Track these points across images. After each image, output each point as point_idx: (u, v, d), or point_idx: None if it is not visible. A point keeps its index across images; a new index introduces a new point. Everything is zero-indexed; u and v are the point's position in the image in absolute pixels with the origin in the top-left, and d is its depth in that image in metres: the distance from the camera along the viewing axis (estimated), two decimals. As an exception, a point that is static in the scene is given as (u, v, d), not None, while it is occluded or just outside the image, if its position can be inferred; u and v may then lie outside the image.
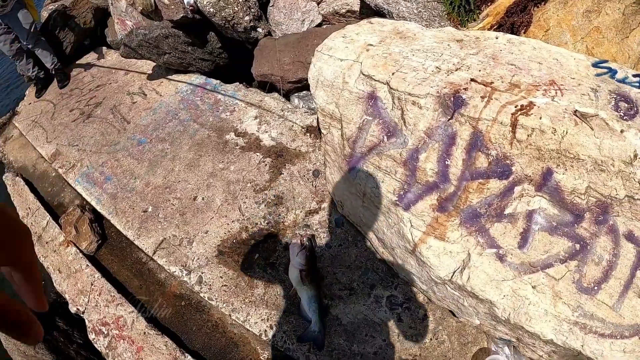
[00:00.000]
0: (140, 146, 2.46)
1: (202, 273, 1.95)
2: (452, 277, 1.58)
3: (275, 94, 2.60)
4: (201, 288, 1.90)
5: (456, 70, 1.62)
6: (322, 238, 2.01)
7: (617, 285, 1.44)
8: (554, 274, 1.47)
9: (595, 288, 1.45)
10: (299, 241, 1.84)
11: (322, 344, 1.75)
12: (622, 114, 1.48)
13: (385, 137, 1.69)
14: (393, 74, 1.67)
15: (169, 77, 2.89)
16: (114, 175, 2.40)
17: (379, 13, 2.65)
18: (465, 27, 2.41)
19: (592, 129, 1.43)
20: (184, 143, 2.41)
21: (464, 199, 1.53)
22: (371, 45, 1.82)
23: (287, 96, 2.66)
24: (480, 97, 1.52)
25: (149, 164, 2.37)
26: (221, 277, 1.92)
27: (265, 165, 2.25)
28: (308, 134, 2.38)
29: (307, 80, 2.66)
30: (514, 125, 1.47)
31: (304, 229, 2.04)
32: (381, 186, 1.68)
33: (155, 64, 2.92)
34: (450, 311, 1.79)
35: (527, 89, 1.53)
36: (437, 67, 1.65)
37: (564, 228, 1.48)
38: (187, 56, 2.72)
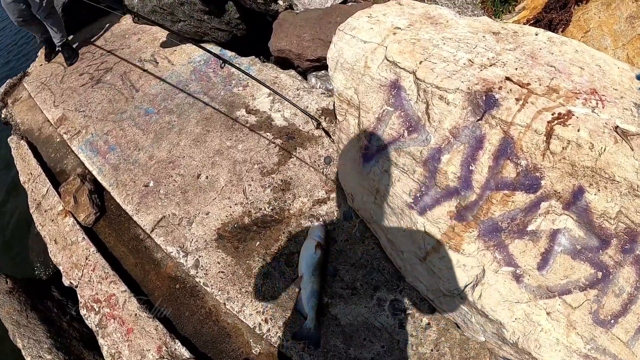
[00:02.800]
0: (147, 116, 2.41)
1: (200, 257, 1.93)
2: (462, 291, 1.52)
3: (292, 71, 2.50)
4: (197, 272, 1.88)
5: (490, 65, 1.51)
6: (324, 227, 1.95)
7: (634, 321, 1.38)
8: (571, 301, 1.41)
9: (612, 321, 1.39)
10: (321, 222, 1.93)
11: (318, 342, 1.74)
12: (670, 135, 1.36)
13: (405, 131, 1.61)
14: (421, 62, 1.56)
15: (183, 45, 2.80)
16: (117, 145, 2.37)
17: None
18: (499, 18, 2.26)
19: (632, 149, 1.33)
20: (192, 116, 2.35)
21: (485, 209, 1.45)
22: (399, 28, 1.71)
23: (304, 74, 2.56)
24: (515, 99, 1.42)
25: (154, 136, 2.32)
26: (218, 263, 1.90)
27: (275, 147, 2.19)
28: (323, 117, 2.29)
29: (326, 59, 2.57)
30: (548, 134, 1.37)
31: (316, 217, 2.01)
32: (396, 185, 1.62)
33: (168, 32, 2.83)
34: (455, 323, 1.73)
35: (567, 96, 1.43)
36: (469, 60, 1.54)
37: (588, 253, 1.41)
38: (202, 25, 2.62)
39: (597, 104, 1.42)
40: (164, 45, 2.91)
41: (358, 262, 1.90)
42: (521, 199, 1.43)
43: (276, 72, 2.49)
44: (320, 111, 2.32)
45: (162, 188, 2.15)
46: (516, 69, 1.50)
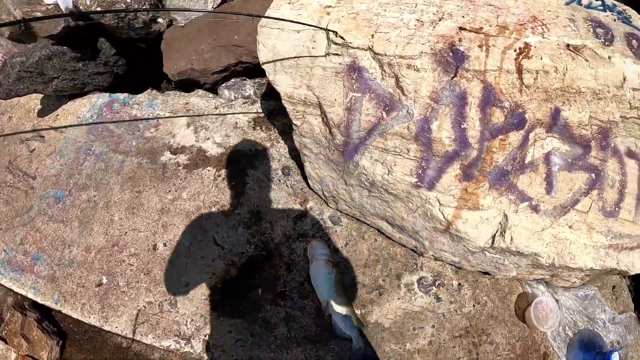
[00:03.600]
0: (60, 203, 1.85)
1: (205, 336, 1.60)
2: (492, 243, 1.56)
3: (201, 91, 2.17)
4: (213, 354, 1.56)
5: (440, 20, 1.51)
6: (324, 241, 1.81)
7: (631, 201, 1.60)
8: (582, 208, 1.56)
9: (617, 209, 1.59)
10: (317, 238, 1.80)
11: (374, 356, 1.61)
12: (603, 40, 1.56)
13: (383, 113, 1.53)
14: (372, 36, 1.48)
15: (64, 106, 2.19)
16: (41, 251, 1.77)
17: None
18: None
19: (586, 60, 1.49)
20: (113, 182, 1.88)
21: (488, 160, 1.49)
22: (329, 6, 1.58)
23: (213, 90, 2.25)
24: (478, 46, 1.46)
25: (79, 223, 1.80)
26: (230, 332, 1.61)
27: (223, 179, 1.90)
28: (258, 129, 2.06)
29: (234, 65, 2.29)
30: (519, 71, 1.45)
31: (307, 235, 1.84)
32: (395, 170, 1.54)
33: (43, 95, 2.16)
34: (483, 272, 1.79)
35: (516, 30, 1.51)
36: (418, 20, 1.51)
37: (578, 162, 1.57)
38: (79, 75, 2.06)
39: (542, 29, 1.54)
40: (42, 113, 2.21)
41: (369, 260, 1.81)
42: (515, 138, 1.49)
43: (183, 97, 2.12)
44: (253, 122, 2.09)
45: (119, 279, 1.69)
46: (463, 16, 1.53)
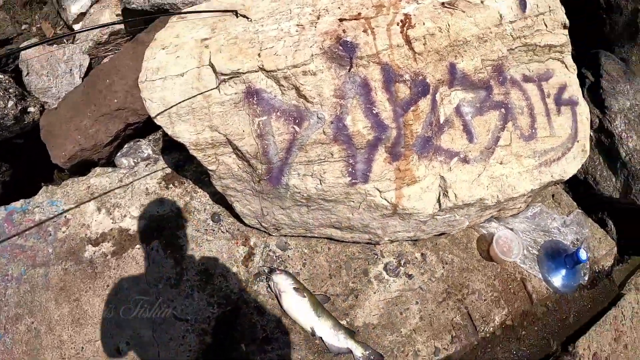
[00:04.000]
0: (0, 345, 1.58)
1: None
2: (440, 207, 1.60)
3: (98, 169, 1.94)
4: None
5: (318, 18, 1.48)
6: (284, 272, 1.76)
7: (542, 119, 1.72)
8: (504, 142, 1.66)
9: (533, 131, 1.70)
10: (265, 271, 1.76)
11: (378, 355, 1.62)
12: (468, -14, 1.60)
13: (295, 127, 1.48)
14: (259, 55, 1.41)
15: None
16: None
17: (159, 11, 2.15)
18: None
19: (463, 11, 1.54)
20: (46, 300, 1.63)
21: (409, 134, 1.51)
22: (206, 39, 1.47)
23: (111, 163, 2.03)
24: (363, 32, 1.45)
25: (29, 358, 1.56)
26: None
27: (158, 251, 1.75)
28: (171, 186, 1.92)
29: (123, 130, 2.09)
30: (408, 42, 1.47)
31: (262, 273, 1.76)
32: (325, 178, 1.52)
33: None
34: (438, 234, 1.85)
35: (392, 4, 1.53)
36: (298, 25, 1.46)
37: (486, 103, 1.65)
38: None
39: (414, -5, 1.55)
40: None
41: (332, 270, 1.79)
42: (424, 104, 1.52)
43: (82, 182, 1.86)
44: (163, 182, 1.93)
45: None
46: (339, 7, 1.50)
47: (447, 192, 1.60)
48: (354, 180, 1.53)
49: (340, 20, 1.47)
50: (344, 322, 1.68)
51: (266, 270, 1.76)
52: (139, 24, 2.27)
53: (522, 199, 1.79)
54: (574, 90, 1.82)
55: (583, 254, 1.73)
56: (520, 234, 1.90)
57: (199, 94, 1.47)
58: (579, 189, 2.24)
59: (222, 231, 1.85)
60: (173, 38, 1.49)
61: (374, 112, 1.48)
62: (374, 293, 1.76)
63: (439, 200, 1.62)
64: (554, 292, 1.83)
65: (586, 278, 1.90)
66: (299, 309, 1.65)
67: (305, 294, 1.66)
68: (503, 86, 1.66)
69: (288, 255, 1.83)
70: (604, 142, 2.13)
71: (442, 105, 1.59)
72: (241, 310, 1.68)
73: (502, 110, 1.65)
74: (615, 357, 1.80)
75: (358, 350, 1.62)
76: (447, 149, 1.60)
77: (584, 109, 1.83)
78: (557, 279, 1.82)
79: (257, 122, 1.48)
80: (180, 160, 2.02)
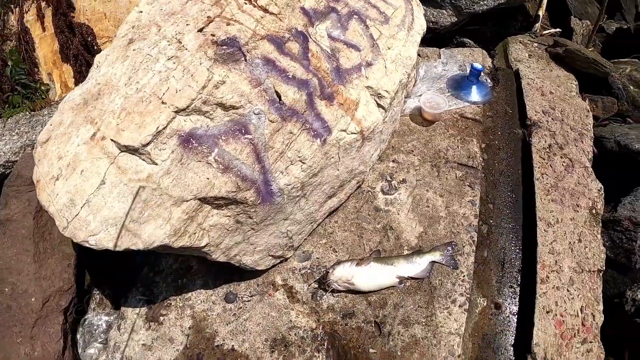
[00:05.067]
0: None
1: None
2: (384, 108, 1.76)
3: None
4: None
5: (180, 42, 1.48)
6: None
7: (381, 3, 1.98)
8: (377, 35, 1.90)
9: (384, 16, 1.99)
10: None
11: (449, 244, 1.74)
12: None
13: (247, 135, 1.45)
14: (163, 102, 1.35)
15: None
16: None
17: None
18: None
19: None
20: None
21: (323, 73, 1.65)
22: (94, 134, 1.32)
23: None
24: (227, 25, 1.50)
25: None
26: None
27: None
28: (162, 318, 1.64)
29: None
30: (265, 10, 1.63)
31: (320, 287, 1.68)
32: (303, 155, 1.54)
33: None
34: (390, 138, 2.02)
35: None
36: (170, 58, 1.42)
37: (341, 20, 1.85)
38: None
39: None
40: None
41: (355, 231, 1.81)
42: (313, 46, 1.64)
43: None
44: (150, 324, 1.61)
45: None
46: (187, 24, 1.52)
47: (379, 94, 1.77)
48: (323, 138, 1.56)
49: (200, 30, 1.46)
50: (401, 252, 1.75)
51: (320, 282, 1.68)
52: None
53: (415, 66, 2.08)
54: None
55: (477, 65, 2.13)
56: (432, 83, 2.23)
57: (139, 184, 1.30)
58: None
59: (244, 301, 1.69)
60: (57, 162, 1.26)
61: (290, 76, 1.53)
62: (398, 213, 1.86)
63: (379, 105, 1.77)
64: (482, 104, 2.21)
65: (490, 82, 2.33)
66: (375, 276, 1.65)
67: (367, 261, 1.66)
68: (341, 1, 1.88)
69: (316, 258, 1.77)
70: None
71: (321, 40, 1.73)
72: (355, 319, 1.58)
73: (355, 16, 1.88)
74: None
75: (437, 256, 1.71)
76: (352, 66, 1.75)
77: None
78: (476, 95, 2.18)
79: (212, 160, 1.38)
80: (145, 290, 1.75)
